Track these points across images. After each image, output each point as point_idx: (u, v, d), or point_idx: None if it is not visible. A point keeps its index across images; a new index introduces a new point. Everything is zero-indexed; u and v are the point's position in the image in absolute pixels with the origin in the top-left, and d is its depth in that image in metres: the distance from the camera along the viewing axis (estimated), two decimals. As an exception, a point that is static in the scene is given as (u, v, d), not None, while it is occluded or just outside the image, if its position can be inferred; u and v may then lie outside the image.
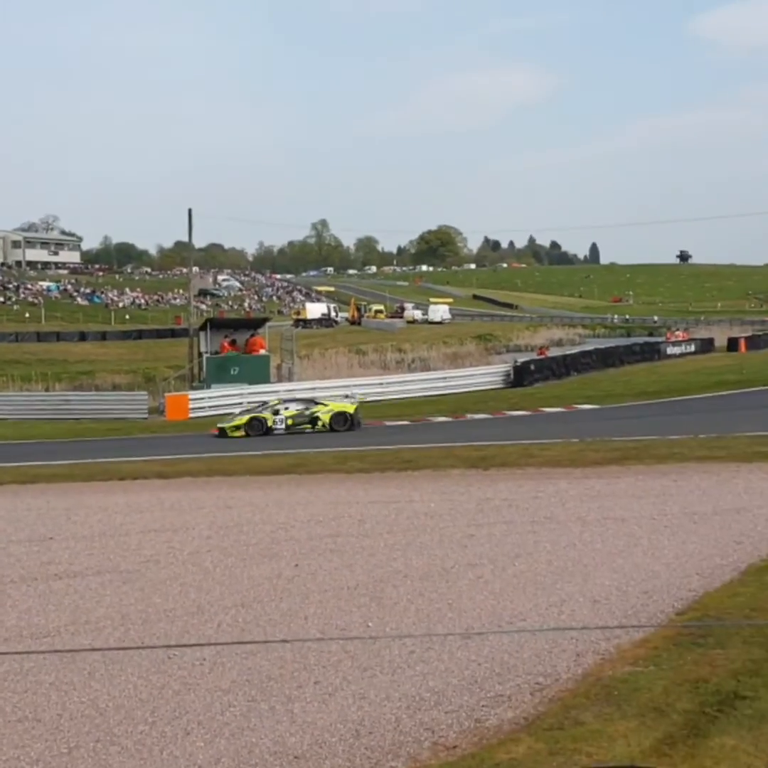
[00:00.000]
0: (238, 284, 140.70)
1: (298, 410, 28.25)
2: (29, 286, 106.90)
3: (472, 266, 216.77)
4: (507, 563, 10.53)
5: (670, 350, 54.44)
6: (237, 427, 27.76)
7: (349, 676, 7.32)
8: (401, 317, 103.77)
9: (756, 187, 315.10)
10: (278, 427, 27.85)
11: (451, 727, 6.29)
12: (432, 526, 12.73)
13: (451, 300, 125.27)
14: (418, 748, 6.02)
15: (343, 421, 27.76)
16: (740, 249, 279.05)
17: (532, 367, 41.45)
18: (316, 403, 28.64)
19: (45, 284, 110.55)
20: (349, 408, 28.26)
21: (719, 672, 6.77)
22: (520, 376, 39.86)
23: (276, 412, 28.15)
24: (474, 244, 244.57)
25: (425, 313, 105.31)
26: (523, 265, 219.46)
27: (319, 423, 27.85)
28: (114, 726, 6.67)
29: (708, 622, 7.95)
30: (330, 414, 27.91)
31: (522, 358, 44.58)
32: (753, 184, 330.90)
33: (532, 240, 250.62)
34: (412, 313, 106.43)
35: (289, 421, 27.92)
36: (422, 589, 9.64)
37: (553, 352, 53.18)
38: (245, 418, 28.16)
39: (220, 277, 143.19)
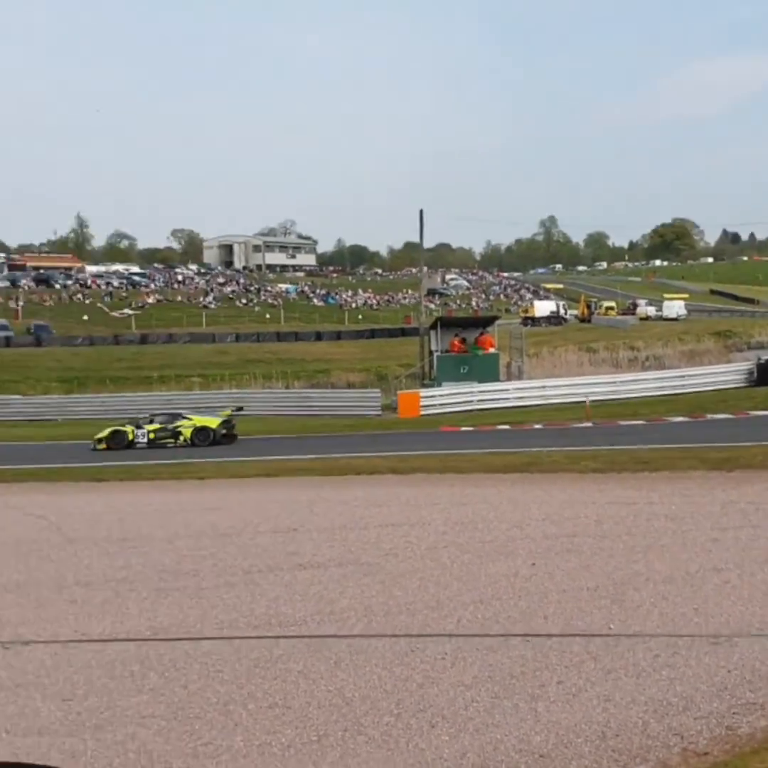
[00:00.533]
0: (465, 283, 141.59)
1: (161, 424, 28.77)
2: (269, 288, 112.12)
3: (710, 260, 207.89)
4: (755, 569, 10.07)
5: None
6: (100, 440, 28.31)
7: (592, 677, 7.23)
8: (633, 314, 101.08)
9: None
10: (140, 440, 28.34)
11: (701, 734, 6.11)
12: (673, 528, 12.36)
13: (686, 295, 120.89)
14: (668, 753, 5.88)
15: (205, 437, 28.09)
16: None
17: (776, 364, 39.30)
18: (182, 418, 29.04)
19: (284, 286, 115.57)
20: (213, 422, 28.51)
21: None
22: (764, 375, 37.86)
23: (138, 426, 28.66)
24: (711, 237, 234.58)
25: (659, 309, 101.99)
26: (766, 258, 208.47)
27: (181, 438, 28.28)
28: (361, 716, 6.86)
29: None
30: (192, 429, 28.33)
31: (766, 356, 42.36)
32: None
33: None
34: (645, 309, 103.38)
35: (151, 435, 28.42)
36: (666, 593, 9.38)
37: (799, 348, 50.19)
38: (107, 431, 28.60)
39: (448, 277, 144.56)
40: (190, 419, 29.15)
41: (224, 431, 28.66)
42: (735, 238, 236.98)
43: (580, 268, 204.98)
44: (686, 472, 16.98)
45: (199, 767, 6.23)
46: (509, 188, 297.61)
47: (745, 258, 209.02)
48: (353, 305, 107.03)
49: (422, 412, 35.40)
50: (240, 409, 32.41)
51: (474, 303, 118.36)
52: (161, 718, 7.02)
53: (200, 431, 28.47)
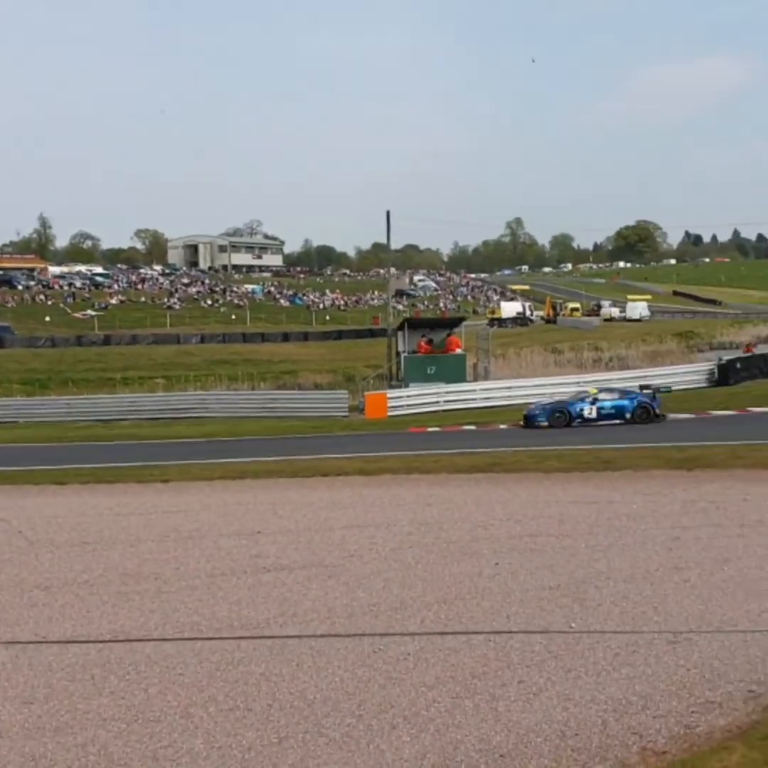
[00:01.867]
0: (433, 284, 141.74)
1: None
2: (235, 288, 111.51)
3: (672, 262, 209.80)
4: (715, 568, 10.18)
5: None
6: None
7: (553, 676, 7.28)
8: (598, 315, 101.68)
9: None
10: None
11: (660, 733, 6.16)
12: (634, 527, 12.47)
13: (649, 296, 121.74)
14: (626, 752, 5.93)
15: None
16: None
17: (739, 365, 39.72)
18: None
19: (250, 287, 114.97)
20: None
21: None
22: (725, 375, 38.29)
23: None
24: (674, 239, 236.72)
25: (623, 310, 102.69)
26: (727, 260, 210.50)
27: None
28: (322, 717, 6.87)
29: None
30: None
31: (727, 356, 42.77)
32: None
33: (736, 233, 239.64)
34: (609, 310, 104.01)
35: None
36: (626, 592, 9.46)
37: (761, 349, 50.70)
38: None
39: (415, 278, 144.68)
40: None
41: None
42: (697, 239, 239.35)
43: (546, 269, 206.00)
44: (648, 471, 17.13)
45: (159, 771, 6.19)
46: (477, 190, 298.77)
47: (707, 260, 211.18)
48: (320, 306, 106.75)
49: (389, 413, 35.40)
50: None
51: (441, 304, 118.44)
52: (122, 721, 6.98)
53: None
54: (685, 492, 14.91)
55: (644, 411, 27.61)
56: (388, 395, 36.93)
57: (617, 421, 27.59)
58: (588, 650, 7.79)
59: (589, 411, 27.97)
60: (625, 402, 28.07)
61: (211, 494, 17.91)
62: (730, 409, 29.81)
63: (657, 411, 27.75)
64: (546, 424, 27.92)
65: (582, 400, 28.55)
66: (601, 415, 27.85)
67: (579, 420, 27.90)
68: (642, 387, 30.26)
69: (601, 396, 28.50)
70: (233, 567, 11.75)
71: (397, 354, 41.99)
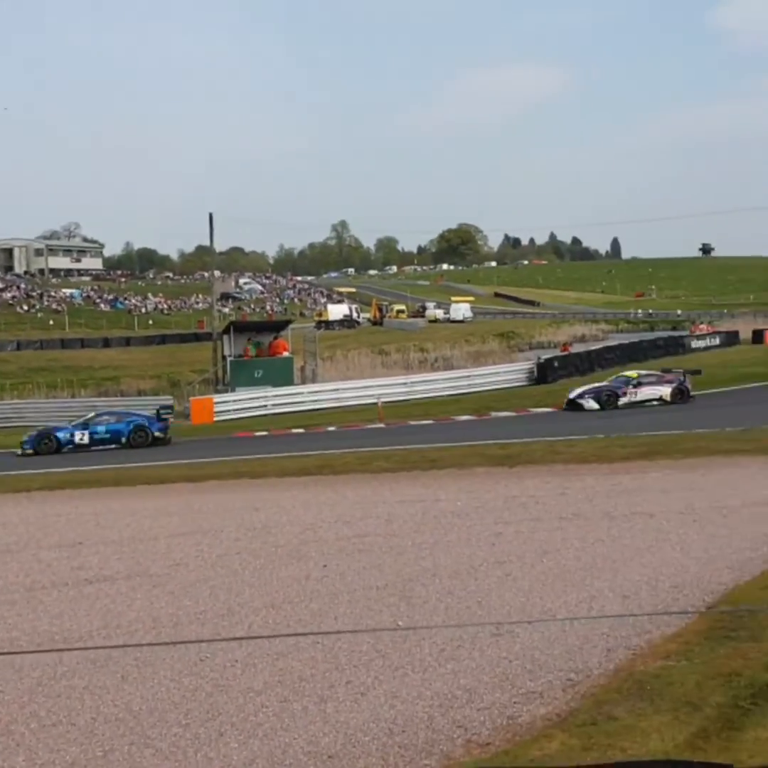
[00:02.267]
0: (259, 287, 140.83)
1: None
2: (52, 293, 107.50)
3: (493, 264, 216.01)
4: (535, 560, 10.52)
5: (695, 344, 54.12)
6: None
7: (380, 675, 7.33)
8: (423, 317, 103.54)
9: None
10: None
11: (484, 725, 6.30)
12: (459, 524, 12.74)
13: (472, 298, 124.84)
14: (451, 746, 6.03)
15: None
16: (763, 241, 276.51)
17: (556, 363, 41.33)
18: None
19: (68, 291, 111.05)
20: None
21: (752, 664, 6.74)
22: (543, 373, 39.77)
23: None
24: (495, 242, 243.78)
25: (447, 312, 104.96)
26: (545, 262, 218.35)
27: None
28: (148, 729, 6.70)
29: (740, 612, 7.92)
30: None
31: (545, 355, 44.42)
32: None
33: (553, 236, 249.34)
34: (434, 312, 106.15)
35: None
36: (451, 588, 9.65)
37: (577, 348, 52.87)
38: None
39: (241, 281, 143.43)
40: None
41: None
42: (516, 242, 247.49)
43: (372, 271, 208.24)
44: (472, 469, 17.56)
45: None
46: (302, 193, 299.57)
47: (526, 262, 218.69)
48: (143, 310, 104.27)
49: (216, 418, 34.99)
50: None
51: (268, 307, 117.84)
52: (-66, 745, 6.60)
53: None
54: (506, 488, 15.35)
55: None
56: (215, 400, 36.51)
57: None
58: (415, 647, 7.89)
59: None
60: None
61: (29, 506, 17.21)
62: (549, 406, 30.95)
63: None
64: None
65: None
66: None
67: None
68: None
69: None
70: (54, 580, 11.32)
71: (223, 358, 41.56)
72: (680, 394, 29.24)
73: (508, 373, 41.27)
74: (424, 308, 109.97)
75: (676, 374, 30.47)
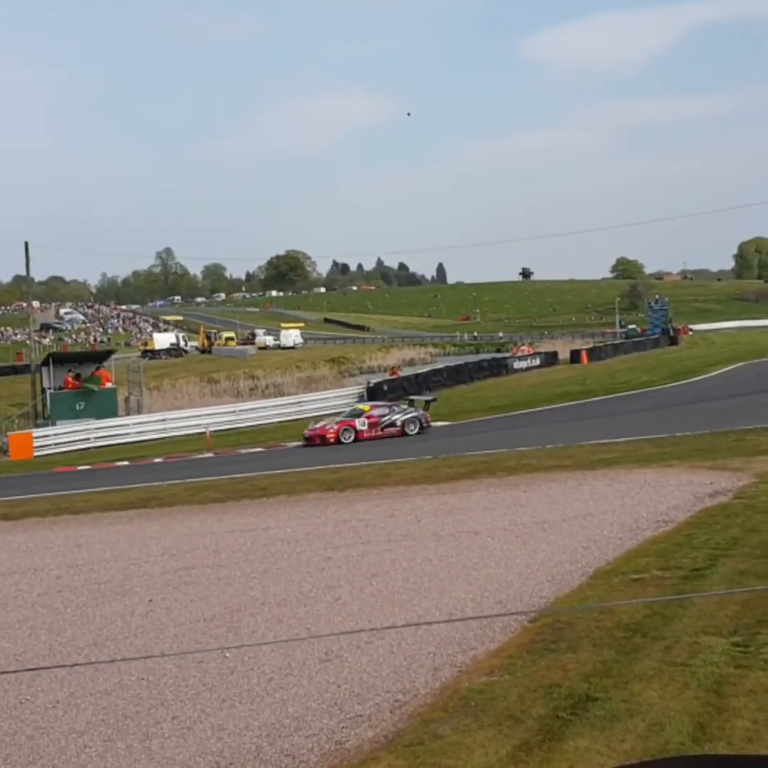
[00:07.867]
0: (81, 317, 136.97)
1: None
2: None
3: (322, 290, 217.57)
4: (364, 583, 10.54)
5: (517, 365, 55.94)
6: None
7: (207, 708, 7.17)
8: (253, 343, 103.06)
9: (592, 206, 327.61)
10: None
11: (312, 751, 6.24)
12: (289, 551, 12.65)
13: (302, 324, 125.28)
14: (279, 776, 5.94)
15: None
16: (578, 265, 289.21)
17: (385, 387, 41.87)
18: None
19: None
20: None
21: (571, 676, 6.94)
22: (373, 397, 40.18)
23: None
24: (323, 268, 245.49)
25: (277, 338, 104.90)
26: (373, 287, 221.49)
27: None
28: (-37, 780, 6.34)
29: (559, 625, 8.16)
30: None
31: (375, 379, 44.96)
32: (590, 202, 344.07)
33: (380, 262, 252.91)
34: (264, 339, 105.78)
35: None
36: (280, 615, 9.55)
37: (405, 371, 53.72)
38: None
39: (62, 311, 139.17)
40: None
41: None
42: (344, 268, 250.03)
43: (199, 299, 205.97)
44: (302, 495, 17.51)
45: None
46: (125, 220, 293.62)
47: (355, 288, 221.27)
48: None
49: (36, 453, 33.64)
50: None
51: (91, 337, 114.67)
52: None
53: None
54: (336, 512, 15.36)
55: None
56: (34, 434, 35.12)
57: None
58: (242, 678, 7.75)
59: None
60: None
61: None
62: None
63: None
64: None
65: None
66: None
67: None
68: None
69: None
70: None
71: (43, 391, 40.06)
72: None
73: (338, 398, 41.48)
74: (254, 335, 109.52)
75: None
